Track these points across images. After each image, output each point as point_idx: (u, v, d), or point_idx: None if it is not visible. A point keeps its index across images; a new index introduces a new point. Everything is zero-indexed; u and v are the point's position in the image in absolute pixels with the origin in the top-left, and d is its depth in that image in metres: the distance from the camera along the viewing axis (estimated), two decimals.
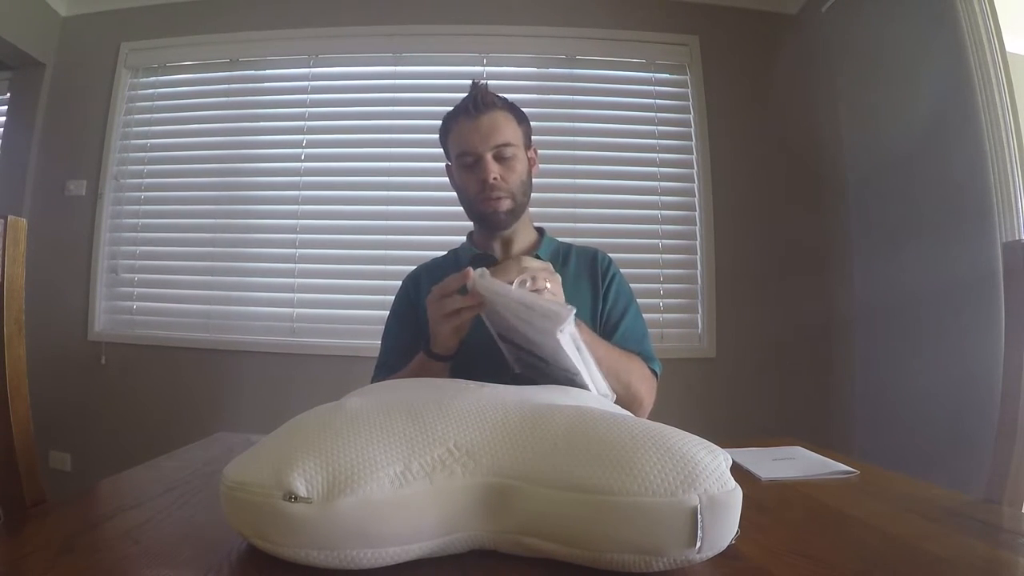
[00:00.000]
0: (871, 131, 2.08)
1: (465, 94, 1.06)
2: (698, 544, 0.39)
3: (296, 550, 0.39)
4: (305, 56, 2.43)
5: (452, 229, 2.16)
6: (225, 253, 2.37)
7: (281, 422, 0.49)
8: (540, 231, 1.15)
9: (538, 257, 1.07)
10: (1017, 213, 1.51)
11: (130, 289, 2.39)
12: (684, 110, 2.37)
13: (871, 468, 0.73)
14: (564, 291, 1.05)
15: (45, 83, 2.44)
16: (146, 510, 0.51)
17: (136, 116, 2.46)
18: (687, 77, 2.38)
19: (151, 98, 2.47)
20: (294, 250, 2.34)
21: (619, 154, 2.32)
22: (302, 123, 2.41)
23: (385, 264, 2.30)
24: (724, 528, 0.41)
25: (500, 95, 1.05)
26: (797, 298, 2.26)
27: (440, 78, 2.41)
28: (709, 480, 0.40)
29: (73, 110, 2.43)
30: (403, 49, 2.40)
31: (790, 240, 2.30)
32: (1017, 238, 1.48)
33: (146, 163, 2.44)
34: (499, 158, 1.00)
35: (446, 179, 2.68)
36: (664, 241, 2.32)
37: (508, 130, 1.01)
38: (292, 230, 2.35)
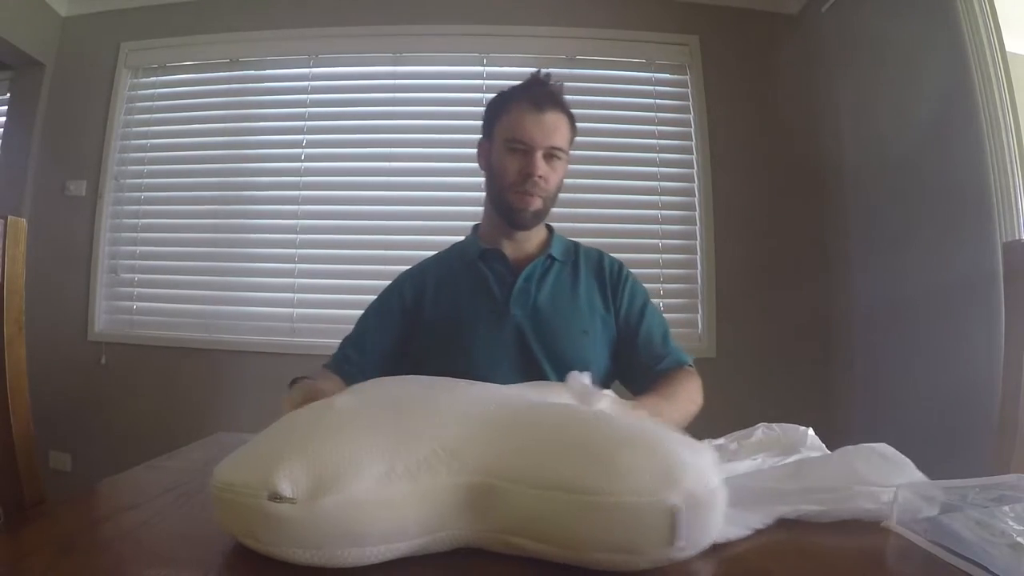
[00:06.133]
0: (871, 131, 2.08)
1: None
2: (680, 543, 0.39)
3: (283, 549, 0.40)
4: (305, 56, 2.43)
5: (452, 229, 2.16)
6: (225, 253, 2.37)
7: None
8: (548, 228, 1.14)
9: (551, 257, 1.06)
10: (1017, 213, 1.50)
11: (130, 289, 2.39)
12: (684, 110, 2.37)
13: None
14: (577, 292, 1.05)
15: (45, 83, 2.44)
16: (146, 510, 0.51)
17: (136, 116, 2.45)
18: (687, 77, 2.37)
19: (151, 98, 2.47)
20: (294, 250, 2.34)
21: (619, 154, 2.32)
22: (302, 123, 2.40)
23: (385, 264, 2.29)
24: (706, 526, 0.41)
25: (563, 92, 1.03)
26: (797, 298, 2.25)
27: (440, 78, 2.40)
28: (691, 479, 0.40)
29: (73, 110, 2.43)
30: (403, 49, 2.39)
31: (790, 240, 2.29)
32: (1017, 238, 1.48)
33: (146, 163, 2.43)
34: (548, 158, 0.99)
35: (446, 179, 2.66)
36: (664, 241, 2.32)
37: (563, 135, 1.00)
38: (292, 230, 2.35)
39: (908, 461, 0.54)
